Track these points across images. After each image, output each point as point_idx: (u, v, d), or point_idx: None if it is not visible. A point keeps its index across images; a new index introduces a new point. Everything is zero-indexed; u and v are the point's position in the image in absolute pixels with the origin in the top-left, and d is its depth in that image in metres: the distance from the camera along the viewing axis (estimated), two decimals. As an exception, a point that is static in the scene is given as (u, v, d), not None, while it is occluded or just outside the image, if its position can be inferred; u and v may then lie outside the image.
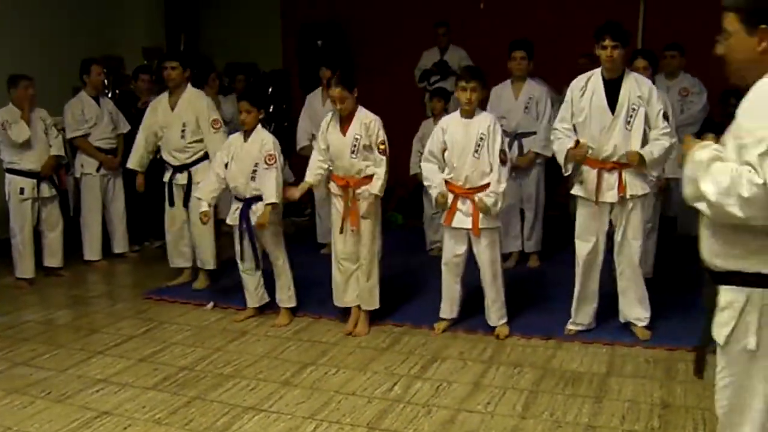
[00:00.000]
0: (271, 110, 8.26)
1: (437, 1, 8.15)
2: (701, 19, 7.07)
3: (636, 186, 4.32)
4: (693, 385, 3.81)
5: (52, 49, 7.36)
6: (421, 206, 6.68)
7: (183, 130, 5.60)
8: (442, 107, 6.30)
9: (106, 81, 7.17)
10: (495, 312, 4.68)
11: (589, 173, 4.37)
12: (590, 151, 4.32)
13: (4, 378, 4.18)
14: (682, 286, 5.23)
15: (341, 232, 4.76)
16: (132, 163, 5.87)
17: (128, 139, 6.60)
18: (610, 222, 4.42)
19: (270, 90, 8.61)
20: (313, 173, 4.82)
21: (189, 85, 5.71)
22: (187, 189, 5.62)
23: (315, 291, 5.31)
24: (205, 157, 5.60)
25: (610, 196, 4.32)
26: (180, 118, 5.61)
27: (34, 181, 5.99)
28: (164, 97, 5.76)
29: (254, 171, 4.84)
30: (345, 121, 4.67)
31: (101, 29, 8.27)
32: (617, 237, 4.41)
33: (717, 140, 2.14)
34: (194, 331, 4.92)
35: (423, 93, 7.53)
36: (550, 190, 6.47)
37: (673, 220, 6.13)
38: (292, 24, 9.02)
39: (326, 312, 5.08)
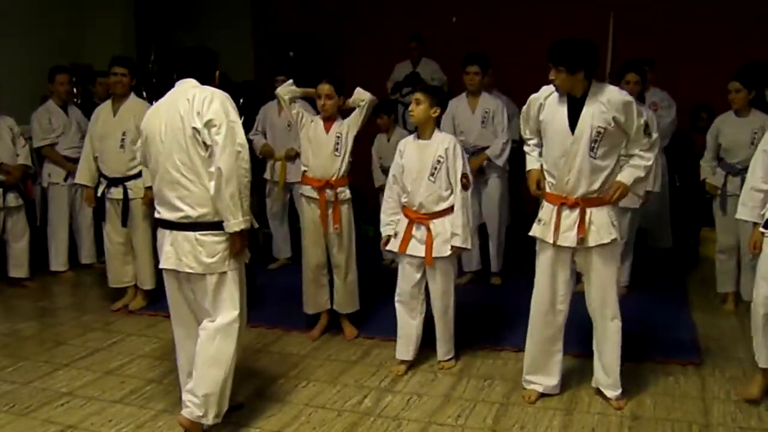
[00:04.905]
0: (242, 121, 8.21)
1: (410, 14, 8.21)
2: (669, 33, 7.24)
3: (602, 231, 3.59)
4: (662, 398, 3.86)
5: (21, 58, 7.28)
6: None
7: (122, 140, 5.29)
8: (388, 121, 6.29)
9: (75, 90, 7.08)
10: (442, 346, 4.38)
11: (549, 209, 3.68)
12: (550, 184, 3.69)
13: (-35, 391, 4.09)
14: (654, 297, 5.29)
15: (326, 234, 4.76)
16: (83, 178, 5.49)
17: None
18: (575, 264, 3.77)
19: (241, 101, 8.55)
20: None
21: (132, 94, 5.45)
22: (124, 204, 5.36)
23: (285, 304, 5.27)
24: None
25: (568, 239, 3.61)
26: (120, 127, 5.30)
27: (0, 190, 5.91)
28: (107, 104, 5.49)
29: None
30: (327, 120, 4.73)
31: (71, 38, 8.20)
32: (586, 288, 3.77)
33: None
34: (162, 343, 4.84)
35: (396, 104, 7.56)
36: (516, 203, 6.51)
37: (644, 232, 6.17)
38: (264, 34, 9.01)
39: (297, 325, 5.05)
